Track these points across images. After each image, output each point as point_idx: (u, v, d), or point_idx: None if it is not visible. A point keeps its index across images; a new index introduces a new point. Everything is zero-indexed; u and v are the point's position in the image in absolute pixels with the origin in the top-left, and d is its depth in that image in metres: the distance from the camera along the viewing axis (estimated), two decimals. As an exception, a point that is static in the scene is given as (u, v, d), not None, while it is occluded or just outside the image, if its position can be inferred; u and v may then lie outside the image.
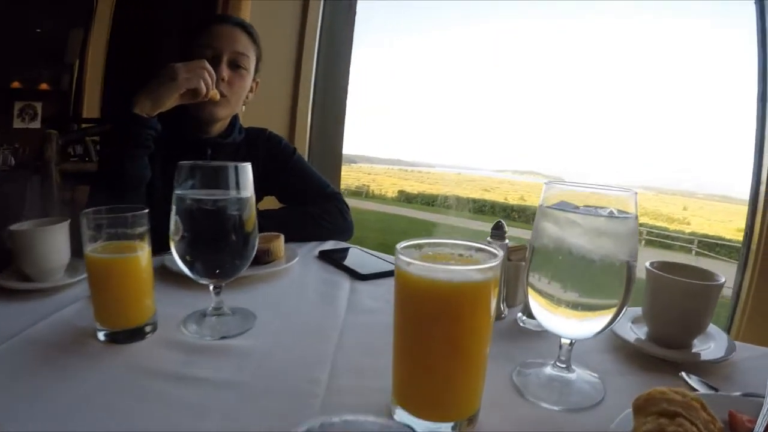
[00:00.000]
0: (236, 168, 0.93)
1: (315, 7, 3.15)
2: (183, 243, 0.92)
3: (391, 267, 1.40)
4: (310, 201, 1.87)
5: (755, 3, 1.98)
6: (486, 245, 0.67)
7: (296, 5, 3.11)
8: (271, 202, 1.95)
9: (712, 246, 22.14)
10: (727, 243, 22.22)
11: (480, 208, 27.08)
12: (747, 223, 1.98)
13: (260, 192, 1.95)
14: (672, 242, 23.06)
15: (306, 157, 3.01)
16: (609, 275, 0.74)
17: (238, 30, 1.78)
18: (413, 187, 35.29)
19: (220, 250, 0.94)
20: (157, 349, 0.89)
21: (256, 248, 0.98)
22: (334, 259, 1.49)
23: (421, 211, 26.28)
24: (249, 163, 0.96)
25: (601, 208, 0.74)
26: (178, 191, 0.91)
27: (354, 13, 3.27)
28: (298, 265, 1.44)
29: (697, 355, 0.94)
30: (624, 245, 0.74)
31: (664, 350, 0.94)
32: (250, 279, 1.28)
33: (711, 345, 0.98)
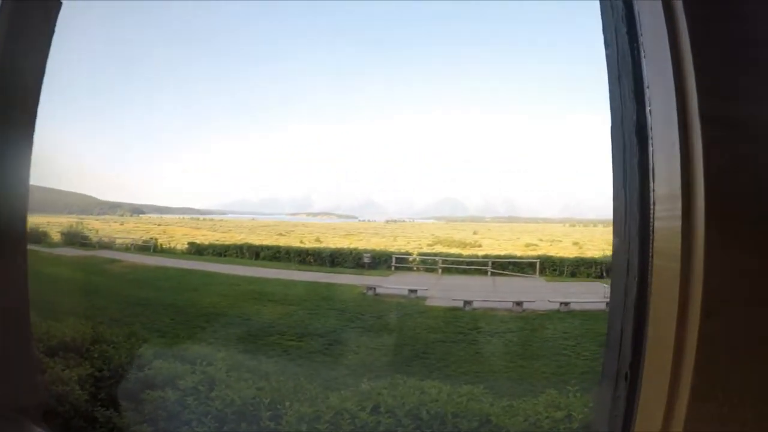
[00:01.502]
0: None
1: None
2: None
3: None
4: None
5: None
6: None
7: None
8: None
9: (505, 265, 24.21)
10: (518, 260, 24.59)
11: (274, 254, 26.57)
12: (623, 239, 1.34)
13: None
14: (468, 267, 24.69)
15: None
16: None
17: None
18: (206, 237, 34.33)
19: None
20: None
21: None
22: None
23: (213, 263, 25.20)
24: None
25: None
26: None
27: (52, 21, 2.37)
28: None
29: None
30: None
31: None
32: None
33: None
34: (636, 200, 1.18)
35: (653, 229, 1.12)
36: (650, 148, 1.13)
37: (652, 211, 1.12)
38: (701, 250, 0.95)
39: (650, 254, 1.12)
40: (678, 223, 1.00)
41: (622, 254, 1.26)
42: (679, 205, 1.00)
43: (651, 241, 1.12)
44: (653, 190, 1.13)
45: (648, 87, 1.13)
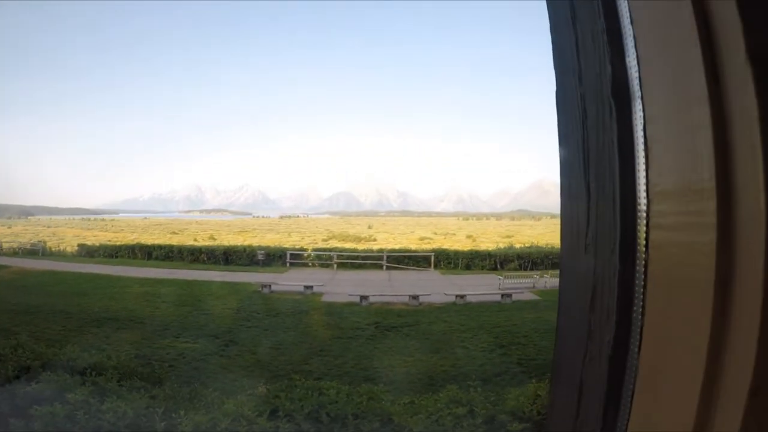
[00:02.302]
0: None
1: None
2: None
3: None
4: None
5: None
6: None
7: None
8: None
9: (400, 259, 24.46)
10: (413, 254, 25.08)
11: (167, 254, 25.70)
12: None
13: None
14: (363, 261, 24.86)
15: None
16: None
17: None
18: (97, 237, 33.33)
19: None
20: None
21: None
22: None
23: (104, 265, 24.18)
24: None
25: None
26: None
27: None
28: None
29: None
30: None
31: None
32: None
33: None
34: (610, 196, 0.76)
35: (647, 242, 0.69)
36: (635, 113, 0.71)
37: (644, 214, 0.69)
38: (757, 280, 0.55)
39: (641, 282, 0.70)
40: (704, 236, 0.59)
41: (583, 277, 0.84)
42: (708, 204, 0.58)
43: (641, 261, 0.71)
44: (647, 181, 0.69)
45: (632, 23, 0.71)
